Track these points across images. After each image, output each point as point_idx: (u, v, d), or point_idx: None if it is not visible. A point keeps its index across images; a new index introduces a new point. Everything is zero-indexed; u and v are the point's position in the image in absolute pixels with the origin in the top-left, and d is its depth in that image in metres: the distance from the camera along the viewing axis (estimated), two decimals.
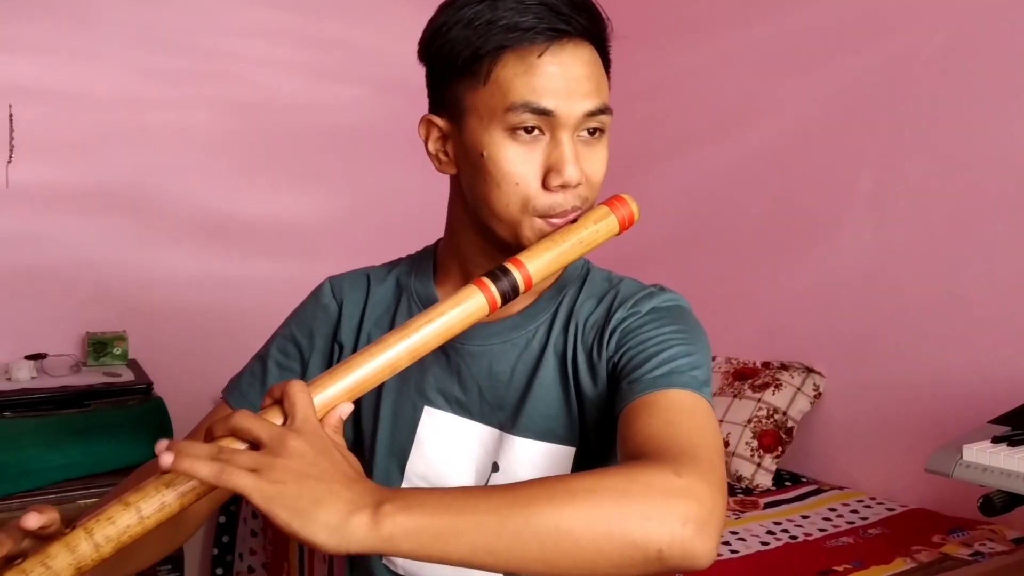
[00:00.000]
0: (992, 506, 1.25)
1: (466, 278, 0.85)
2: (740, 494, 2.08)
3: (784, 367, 2.26)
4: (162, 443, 0.59)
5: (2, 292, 2.26)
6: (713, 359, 2.43)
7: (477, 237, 0.83)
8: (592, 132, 0.79)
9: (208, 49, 2.49)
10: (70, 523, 0.61)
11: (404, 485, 0.88)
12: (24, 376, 2.10)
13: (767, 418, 2.17)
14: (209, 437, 0.63)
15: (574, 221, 0.78)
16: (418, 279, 0.92)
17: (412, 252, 0.97)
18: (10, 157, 2.24)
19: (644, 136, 2.66)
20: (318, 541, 0.55)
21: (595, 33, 0.79)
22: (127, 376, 2.19)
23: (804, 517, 1.92)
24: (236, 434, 0.61)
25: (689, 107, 2.63)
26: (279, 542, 2.23)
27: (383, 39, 2.59)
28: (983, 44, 1.91)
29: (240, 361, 0.97)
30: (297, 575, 2.17)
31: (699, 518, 0.59)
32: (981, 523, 1.78)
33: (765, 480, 2.13)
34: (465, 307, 0.72)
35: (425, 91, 0.84)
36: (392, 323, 0.90)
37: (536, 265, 0.76)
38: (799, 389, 2.20)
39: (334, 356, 0.91)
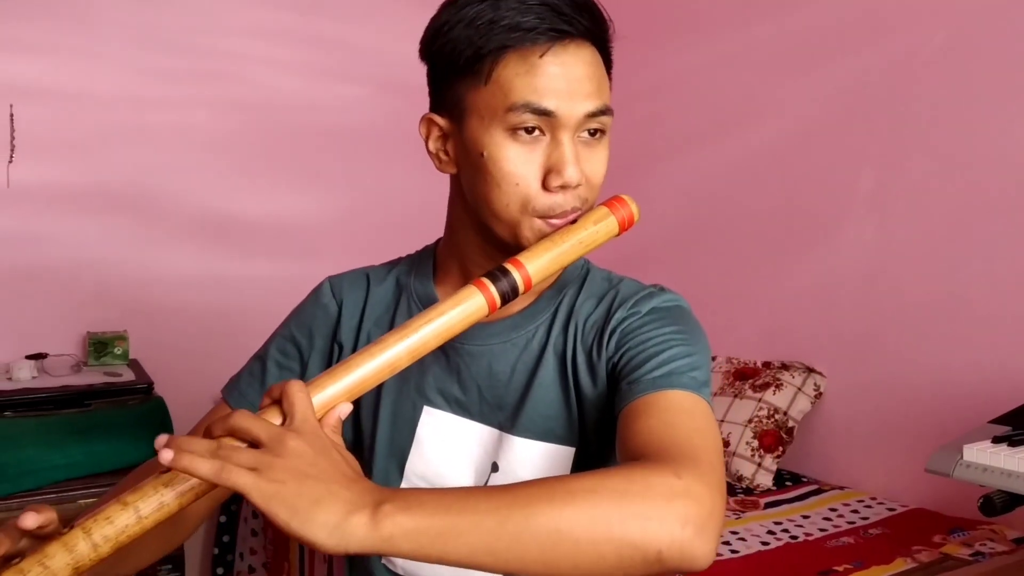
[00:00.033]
0: (992, 506, 1.25)
1: (466, 278, 0.85)
2: (741, 494, 2.08)
3: (785, 367, 2.26)
4: (162, 438, 0.59)
5: (3, 292, 2.26)
6: (714, 359, 2.46)
7: (477, 237, 0.83)
8: (593, 133, 0.79)
9: (208, 49, 2.49)
10: (69, 523, 0.61)
11: (403, 485, 0.88)
12: (25, 376, 2.10)
13: (768, 418, 2.17)
14: (208, 437, 0.62)
15: (574, 222, 0.78)
16: (418, 279, 0.92)
17: (412, 252, 0.97)
18: (11, 157, 2.24)
19: (644, 136, 2.66)
20: (317, 541, 0.55)
21: (597, 34, 0.79)
22: (128, 376, 2.19)
23: (805, 517, 1.92)
24: (235, 434, 0.61)
25: (689, 107, 2.63)
26: (279, 542, 2.23)
27: (383, 39, 2.59)
28: (983, 44, 1.91)
29: (240, 361, 0.97)
30: (297, 575, 2.17)
31: (699, 519, 0.59)
32: (982, 523, 1.78)
33: (766, 480, 2.12)
34: (465, 307, 0.72)
35: (425, 91, 0.84)
36: (392, 323, 0.90)
37: (536, 266, 0.76)
38: (800, 389, 2.20)
39: (333, 356, 0.91)
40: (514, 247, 0.79)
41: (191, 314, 2.47)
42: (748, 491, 2.10)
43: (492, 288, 0.74)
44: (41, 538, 0.61)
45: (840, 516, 1.93)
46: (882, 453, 2.10)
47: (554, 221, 0.78)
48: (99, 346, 2.29)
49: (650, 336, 0.79)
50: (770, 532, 1.82)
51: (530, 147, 0.76)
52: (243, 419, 0.61)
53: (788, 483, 2.17)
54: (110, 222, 2.38)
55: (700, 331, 0.82)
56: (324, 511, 0.56)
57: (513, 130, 0.75)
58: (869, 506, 1.99)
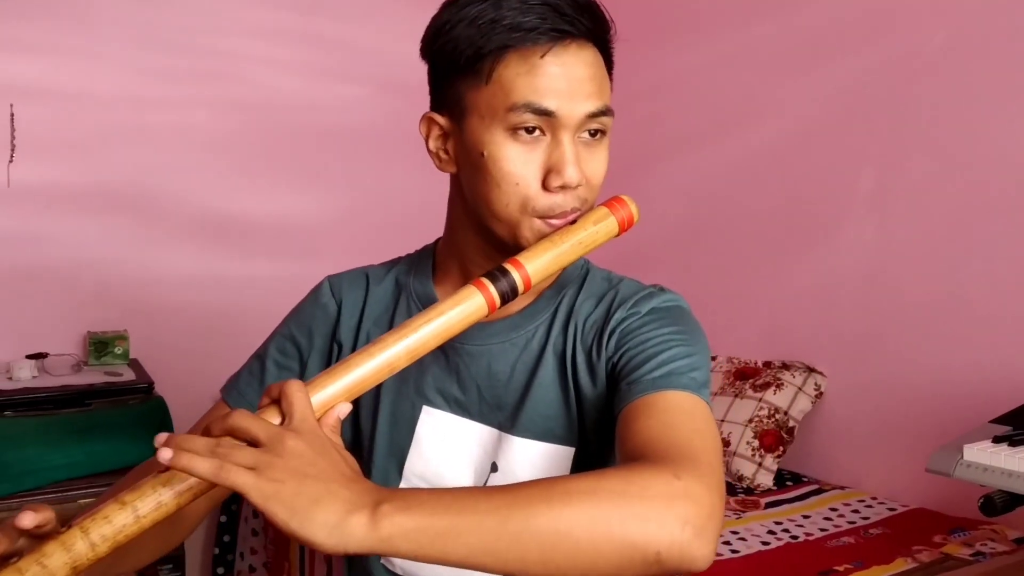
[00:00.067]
0: (993, 506, 1.25)
1: (465, 277, 0.85)
2: (741, 494, 2.08)
3: (785, 367, 2.26)
4: (161, 437, 0.59)
5: (3, 292, 2.26)
6: (714, 359, 2.46)
7: (476, 237, 0.83)
8: (593, 133, 0.79)
9: (208, 49, 2.49)
10: (67, 522, 0.60)
11: (403, 485, 0.87)
12: (25, 375, 2.10)
13: (768, 418, 2.16)
14: (206, 436, 0.62)
15: (573, 222, 0.78)
16: (417, 278, 0.91)
17: (411, 251, 0.97)
18: (11, 157, 2.24)
19: (644, 136, 2.66)
20: (316, 540, 0.55)
21: (598, 34, 0.79)
22: (128, 375, 2.19)
23: (805, 517, 1.92)
24: (234, 433, 0.61)
25: (689, 107, 2.63)
26: (280, 542, 2.23)
27: (383, 39, 2.59)
28: (983, 44, 1.91)
29: (241, 360, 0.97)
30: (298, 575, 2.17)
31: (698, 520, 0.59)
32: (982, 523, 1.78)
33: (766, 480, 2.12)
34: (464, 307, 0.72)
35: (425, 91, 0.84)
36: (391, 322, 0.90)
37: (535, 266, 0.76)
38: (800, 389, 2.20)
39: (333, 355, 0.91)
40: (513, 247, 0.79)
41: (191, 314, 2.47)
42: (749, 491, 2.10)
43: (492, 288, 0.74)
44: (39, 537, 0.61)
45: (841, 516, 1.93)
46: (883, 453, 2.10)
47: (554, 221, 0.78)
48: (99, 346, 2.30)
49: (650, 336, 0.79)
50: (771, 532, 1.82)
51: (530, 147, 0.76)
52: (242, 418, 0.61)
53: (789, 483, 2.17)
54: (110, 222, 2.38)
55: (700, 331, 0.82)
56: (323, 511, 0.56)
57: (513, 130, 0.75)
58: (870, 506, 1.99)
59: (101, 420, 1.93)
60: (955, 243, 1.95)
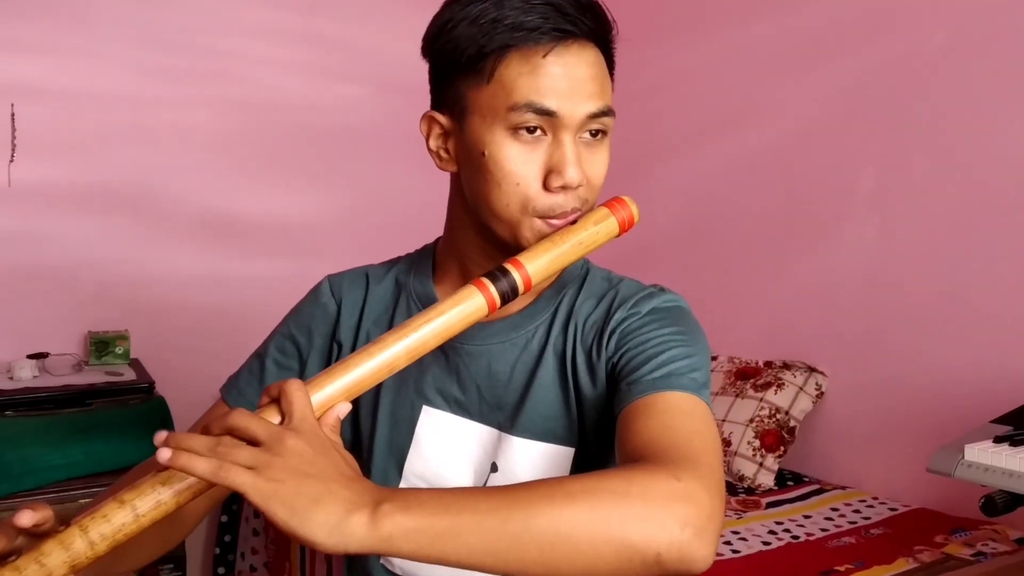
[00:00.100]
0: (994, 506, 1.25)
1: (465, 277, 0.85)
2: (742, 494, 2.08)
3: (786, 366, 2.26)
4: (160, 435, 0.59)
5: (4, 291, 2.26)
6: (715, 358, 2.45)
7: (476, 236, 0.83)
8: (594, 134, 0.79)
9: (209, 49, 2.49)
10: (66, 522, 0.60)
11: (402, 485, 0.87)
12: (26, 375, 2.10)
13: (769, 417, 2.16)
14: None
15: (574, 222, 0.78)
16: (417, 278, 0.91)
17: (411, 251, 0.97)
18: (12, 156, 2.24)
19: (644, 136, 2.66)
20: (316, 540, 0.55)
21: (600, 35, 0.78)
22: (129, 375, 2.19)
23: (806, 517, 1.92)
24: (233, 432, 0.61)
25: (689, 107, 2.63)
26: (281, 542, 2.23)
27: (383, 39, 2.59)
28: (984, 44, 1.91)
29: (242, 360, 0.96)
30: (299, 575, 2.17)
31: (698, 522, 0.59)
32: (984, 523, 1.78)
33: (767, 480, 2.12)
34: (464, 307, 0.72)
35: (426, 91, 0.84)
36: (391, 322, 0.90)
37: (535, 266, 0.76)
38: (801, 388, 2.20)
39: (332, 355, 0.91)
40: (514, 247, 0.78)
41: (192, 313, 2.47)
42: (750, 491, 2.10)
43: (492, 288, 0.73)
44: (37, 536, 0.61)
45: (842, 516, 1.92)
46: (884, 453, 2.09)
47: (554, 222, 0.78)
48: (100, 345, 2.30)
49: (650, 337, 0.79)
50: (771, 532, 1.82)
51: (531, 147, 0.76)
52: (242, 418, 0.61)
53: (790, 483, 2.17)
54: (111, 222, 2.38)
55: (700, 332, 0.82)
56: (323, 510, 0.56)
57: (515, 129, 0.75)
58: (871, 506, 1.98)
59: (102, 420, 1.93)
60: (956, 243, 1.95)
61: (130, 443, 1.84)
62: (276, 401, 0.64)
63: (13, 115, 2.24)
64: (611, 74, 0.81)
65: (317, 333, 0.92)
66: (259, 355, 0.94)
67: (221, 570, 2.39)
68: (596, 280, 0.88)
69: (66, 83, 2.31)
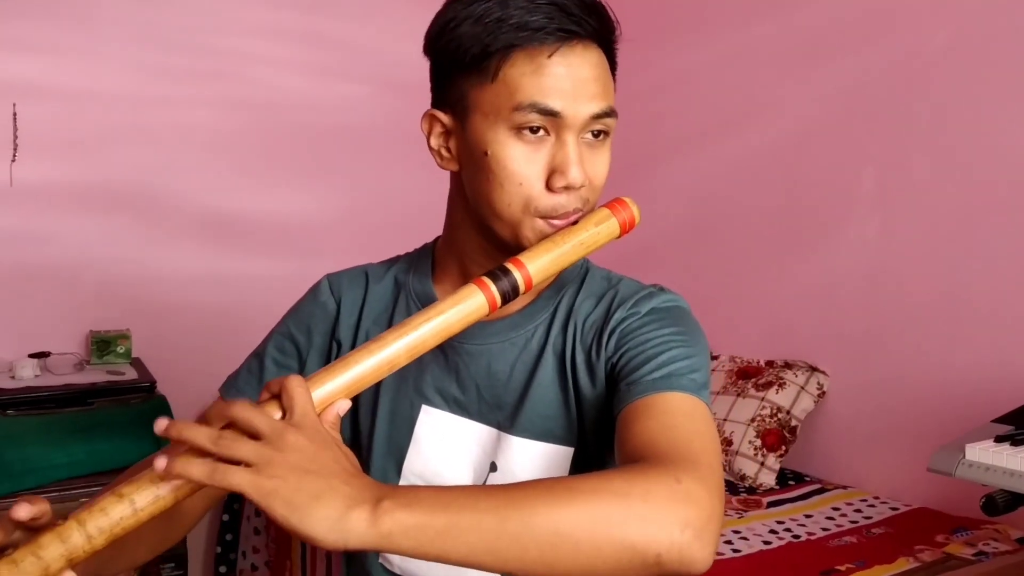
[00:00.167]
0: (995, 506, 1.24)
1: (465, 276, 0.85)
2: (743, 493, 2.08)
3: (788, 366, 2.26)
4: (161, 422, 0.59)
5: (6, 291, 2.26)
6: (716, 358, 2.45)
7: (477, 236, 0.83)
8: (597, 134, 0.78)
9: (209, 48, 2.49)
10: (65, 518, 0.60)
11: (401, 484, 0.87)
12: (28, 374, 2.10)
13: (771, 417, 2.16)
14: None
15: (575, 223, 0.78)
16: (416, 277, 0.91)
17: (411, 250, 0.97)
18: (14, 156, 2.25)
19: (646, 136, 2.66)
20: (316, 536, 0.55)
21: (604, 35, 0.78)
22: (130, 374, 2.19)
23: (807, 516, 1.92)
24: (235, 424, 0.60)
25: (690, 107, 2.63)
26: (282, 540, 2.23)
27: (384, 38, 2.59)
28: (984, 44, 1.91)
29: (242, 359, 0.96)
30: (300, 573, 2.18)
31: (698, 523, 0.59)
32: (985, 523, 1.78)
33: (768, 479, 2.12)
34: (465, 306, 0.72)
35: (426, 90, 0.84)
36: (390, 321, 0.90)
37: (536, 266, 0.76)
38: (803, 388, 2.20)
39: (332, 354, 0.91)
40: (514, 247, 0.78)
41: (193, 313, 2.48)
42: (751, 490, 2.10)
43: (493, 287, 0.73)
44: (35, 530, 0.61)
45: (843, 515, 1.92)
46: (885, 452, 2.09)
47: (556, 222, 0.77)
48: (102, 345, 2.30)
49: (649, 337, 0.79)
50: (772, 531, 1.82)
51: (534, 147, 0.76)
52: (244, 410, 0.60)
53: (791, 482, 2.17)
54: (112, 221, 2.39)
55: (699, 332, 0.82)
56: (324, 506, 0.56)
57: (518, 129, 0.75)
58: (872, 505, 1.98)
59: (103, 419, 1.94)
60: (957, 242, 1.95)
61: (131, 442, 1.84)
62: (277, 397, 0.64)
63: (15, 115, 2.24)
64: (613, 75, 0.81)
65: (316, 332, 0.92)
66: (258, 354, 0.94)
67: (223, 568, 2.39)
68: (596, 280, 0.88)
69: (67, 83, 2.32)
